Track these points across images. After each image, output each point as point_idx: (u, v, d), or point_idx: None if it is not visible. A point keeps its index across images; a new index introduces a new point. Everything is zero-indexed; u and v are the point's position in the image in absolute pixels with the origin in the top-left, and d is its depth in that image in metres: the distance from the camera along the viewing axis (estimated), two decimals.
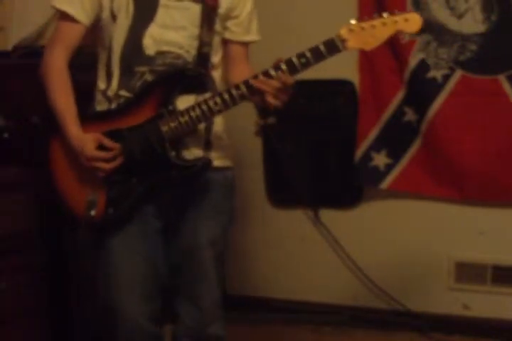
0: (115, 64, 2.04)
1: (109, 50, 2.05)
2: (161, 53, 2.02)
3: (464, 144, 2.91)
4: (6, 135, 2.59)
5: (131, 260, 2.11)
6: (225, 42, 2.14)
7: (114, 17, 2.02)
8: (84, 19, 2.02)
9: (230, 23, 2.12)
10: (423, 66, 2.90)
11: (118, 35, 2.02)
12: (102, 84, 2.08)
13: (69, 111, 2.01)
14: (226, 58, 2.16)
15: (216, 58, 2.12)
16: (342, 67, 2.99)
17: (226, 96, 1.94)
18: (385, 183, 3.05)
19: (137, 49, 2.02)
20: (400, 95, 2.97)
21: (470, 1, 2.83)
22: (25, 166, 2.48)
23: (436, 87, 2.90)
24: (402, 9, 2.75)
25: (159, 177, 2.02)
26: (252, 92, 1.93)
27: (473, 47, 2.85)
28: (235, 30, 2.13)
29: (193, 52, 2.04)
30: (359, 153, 3.06)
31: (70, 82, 2.04)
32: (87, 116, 2.05)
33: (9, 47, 2.78)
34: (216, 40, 2.09)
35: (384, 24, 1.89)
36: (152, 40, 2.01)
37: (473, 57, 2.85)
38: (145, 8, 2.02)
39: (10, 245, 2.46)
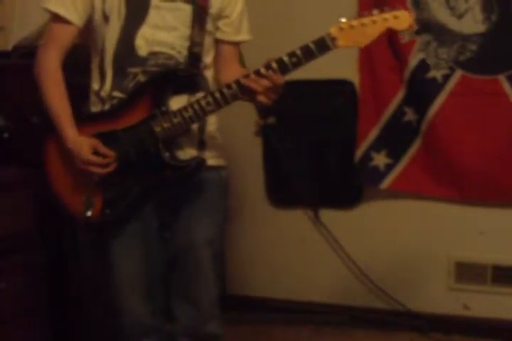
0: (108, 65, 2.05)
1: (102, 51, 2.05)
2: (153, 54, 2.02)
3: (464, 144, 2.91)
4: (6, 135, 2.60)
5: (130, 260, 2.12)
6: (217, 42, 2.15)
7: (106, 18, 2.03)
8: (77, 20, 2.03)
9: (221, 23, 2.12)
10: (423, 66, 2.90)
11: (110, 37, 2.03)
12: (95, 85, 2.09)
13: (63, 113, 2.01)
14: (217, 58, 2.17)
15: (208, 58, 2.12)
16: (342, 67, 3.00)
17: (218, 95, 1.94)
18: (385, 183, 3.05)
19: (130, 50, 2.02)
20: (400, 95, 2.97)
21: (470, 1, 2.83)
22: (25, 166, 2.48)
23: (436, 87, 2.90)
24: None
25: (154, 178, 2.02)
26: (243, 91, 1.93)
27: (473, 47, 2.85)
28: (226, 30, 2.13)
29: (185, 52, 2.05)
30: (359, 153, 3.06)
31: (63, 83, 2.04)
32: (81, 117, 2.05)
33: (9, 47, 2.78)
34: (208, 41, 2.10)
35: (374, 22, 1.88)
36: (144, 40, 2.02)
37: (473, 57, 2.85)
38: (137, 9, 2.02)
39: (10, 245, 2.46)
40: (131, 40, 2.02)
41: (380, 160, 3.04)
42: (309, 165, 3.21)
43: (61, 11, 2.01)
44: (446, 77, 2.89)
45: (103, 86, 2.06)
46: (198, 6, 2.05)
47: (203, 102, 1.95)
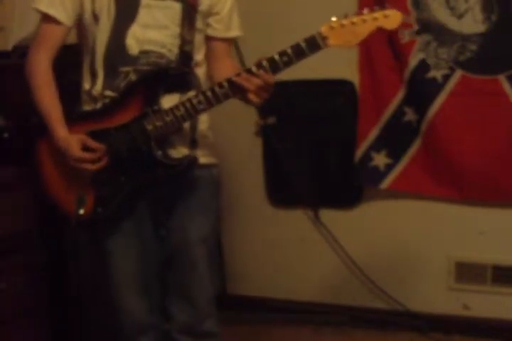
0: (99, 64, 2.06)
1: (93, 50, 2.06)
2: (144, 53, 2.03)
3: (464, 144, 2.91)
4: (5, 135, 2.60)
5: (127, 259, 2.13)
6: (208, 39, 2.16)
7: (96, 18, 2.03)
8: (66, 20, 2.04)
9: (211, 20, 2.13)
10: (423, 66, 2.90)
11: (101, 36, 2.04)
12: (86, 85, 2.10)
13: (54, 112, 2.02)
14: (210, 55, 2.17)
15: (199, 56, 2.13)
16: (342, 67, 3.00)
17: (209, 94, 1.95)
18: (385, 183, 3.05)
19: (121, 49, 2.03)
20: (400, 95, 2.97)
21: (470, 1, 2.83)
22: (25, 166, 2.47)
23: (436, 87, 2.90)
24: (402, 9, 2.74)
25: (146, 176, 2.03)
26: (235, 90, 1.94)
27: (473, 47, 2.84)
28: (217, 27, 2.14)
29: (176, 50, 2.05)
30: (359, 153, 3.05)
31: (54, 83, 2.05)
32: (73, 117, 2.06)
33: (9, 47, 2.78)
34: (198, 38, 2.10)
35: (364, 21, 1.88)
36: (135, 40, 2.02)
37: (473, 57, 2.85)
38: (126, 9, 2.03)
39: (10, 245, 2.46)
40: (121, 39, 2.02)
41: (380, 160, 3.04)
42: (309, 165, 3.21)
43: (51, 11, 2.03)
44: (446, 77, 2.89)
45: (94, 85, 2.07)
46: (187, 4, 2.06)
47: (194, 101, 1.96)
